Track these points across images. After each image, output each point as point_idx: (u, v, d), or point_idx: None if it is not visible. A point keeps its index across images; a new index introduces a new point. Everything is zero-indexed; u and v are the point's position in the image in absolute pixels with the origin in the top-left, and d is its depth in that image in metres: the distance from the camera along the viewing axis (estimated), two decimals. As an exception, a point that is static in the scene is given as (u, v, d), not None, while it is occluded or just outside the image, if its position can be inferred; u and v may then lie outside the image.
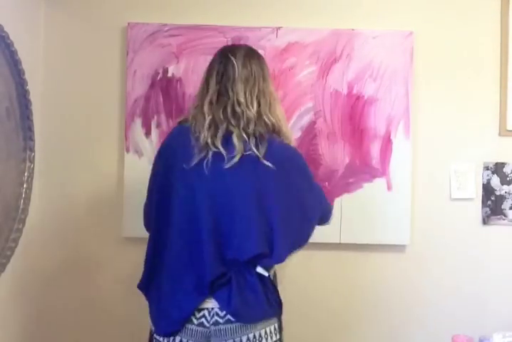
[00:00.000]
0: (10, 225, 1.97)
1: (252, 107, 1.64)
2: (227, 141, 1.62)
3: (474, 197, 2.29)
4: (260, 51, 2.20)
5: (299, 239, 1.71)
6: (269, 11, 2.29)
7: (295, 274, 2.29)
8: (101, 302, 2.27)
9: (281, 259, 1.65)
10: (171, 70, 2.26)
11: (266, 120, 1.65)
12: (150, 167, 2.24)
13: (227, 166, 1.60)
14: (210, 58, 2.21)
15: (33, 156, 2.10)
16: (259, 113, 1.65)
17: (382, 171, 2.26)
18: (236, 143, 1.61)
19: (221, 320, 1.58)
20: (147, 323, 2.27)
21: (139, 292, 2.24)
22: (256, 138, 1.62)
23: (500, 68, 2.29)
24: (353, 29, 2.26)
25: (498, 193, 2.29)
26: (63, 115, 2.28)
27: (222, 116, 1.64)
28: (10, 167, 1.97)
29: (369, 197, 2.25)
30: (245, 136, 1.61)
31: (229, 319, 1.58)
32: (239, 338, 1.58)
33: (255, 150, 1.60)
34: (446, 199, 2.29)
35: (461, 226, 2.29)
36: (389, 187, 2.25)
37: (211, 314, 1.59)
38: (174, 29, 2.25)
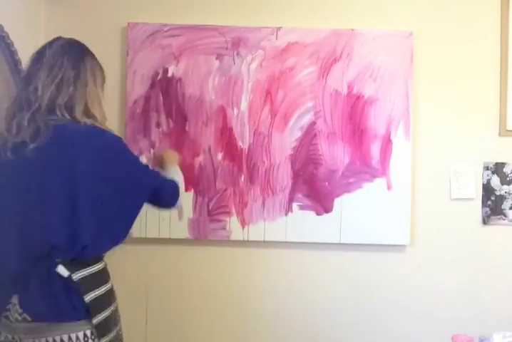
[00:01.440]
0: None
1: (46, 93, 1.60)
2: (24, 132, 1.58)
3: (474, 197, 2.29)
4: (260, 51, 2.23)
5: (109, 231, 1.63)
6: (269, 11, 2.29)
7: (295, 274, 2.29)
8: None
9: (84, 253, 1.56)
10: (171, 70, 2.26)
11: (57, 110, 1.60)
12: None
13: (16, 154, 1.55)
14: (210, 58, 2.26)
15: (33, 156, 2.09)
16: (53, 103, 1.61)
17: (382, 171, 2.26)
18: (28, 133, 1.57)
19: (19, 318, 1.53)
20: (148, 322, 2.28)
21: (139, 291, 2.25)
22: (42, 127, 1.57)
23: (500, 68, 2.29)
24: (353, 29, 2.26)
25: (498, 193, 2.29)
26: (63, 115, 2.28)
27: (22, 105, 1.61)
28: (10, 167, 1.96)
29: (369, 197, 2.25)
30: (34, 126, 1.57)
31: (25, 318, 1.53)
32: (38, 340, 1.52)
33: (40, 140, 1.55)
34: (446, 199, 2.29)
35: (461, 226, 2.29)
36: (389, 187, 2.25)
37: (14, 309, 1.54)
38: (174, 29, 2.25)
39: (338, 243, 2.26)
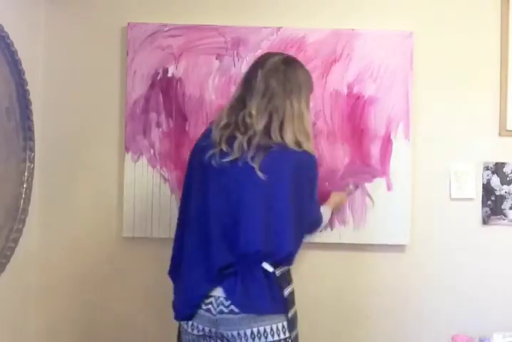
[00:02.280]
0: (10, 225, 1.97)
1: (261, 121, 1.69)
2: (231, 144, 1.70)
3: (474, 197, 2.29)
4: (260, 51, 2.23)
5: (299, 242, 1.78)
6: (270, 11, 2.29)
7: (295, 274, 2.28)
8: (101, 302, 2.27)
9: (287, 259, 1.73)
10: (171, 70, 2.26)
11: (273, 137, 1.69)
12: (150, 167, 2.26)
13: (228, 161, 1.68)
14: (210, 58, 2.25)
15: (33, 156, 2.10)
16: (267, 128, 1.70)
17: (382, 171, 2.26)
18: (236, 148, 1.69)
19: (225, 310, 1.64)
20: (147, 323, 2.28)
21: (138, 292, 2.25)
22: (257, 150, 1.67)
23: (500, 68, 2.29)
24: (353, 29, 2.26)
25: (498, 193, 2.29)
26: (63, 115, 2.28)
27: (233, 121, 1.72)
28: (10, 167, 1.97)
29: (369, 197, 2.25)
30: (245, 145, 1.68)
31: (232, 310, 1.63)
32: (243, 331, 1.63)
33: (250, 161, 1.67)
34: (446, 199, 2.29)
35: (461, 226, 2.29)
36: (389, 187, 2.25)
37: (217, 302, 1.65)
38: (174, 29, 2.25)
39: (338, 243, 2.26)
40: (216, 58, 2.26)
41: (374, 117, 2.26)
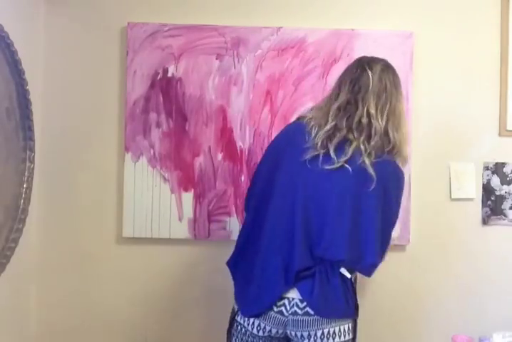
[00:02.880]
0: (10, 225, 1.97)
1: (382, 121, 1.69)
2: (340, 148, 1.68)
3: (474, 197, 2.29)
4: (260, 51, 2.23)
5: (383, 253, 1.76)
6: (270, 11, 2.29)
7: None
8: (101, 302, 2.27)
9: (369, 270, 1.73)
10: (171, 70, 2.26)
11: (391, 137, 1.70)
12: (150, 167, 2.26)
13: (330, 167, 1.66)
14: (210, 58, 2.25)
15: (33, 156, 2.10)
16: (385, 129, 1.70)
17: (382, 171, 2.25)
18: (349, 152, 1.67)
19: (299, 312, 1.65)
20: (147, 323, 2.28)
21: (140, 291, 2.25)
22: (372, 152, 1.68)
23: (500, 68, 2.29)
24: (353, 29, 2.26)
25: (498, 193, 2.29)
26: (63, 115, 2.28)
27: (344, 124, 1.70)
28: (10, 167, 1.97)
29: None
30: (362, 148, 1.67)
31: (307, 311, 1.65)
32: (314, 332, 1.64)
33: (367, 162, 1.66)
34: (446, 199, 2.29)
35: (461, 226, 2.29)
36: (389, 187, 2.25)
37: (291, 304, 1.66)
38: (174, 29, 2.25)
39: (338, 243, 2.26)
40: (216, 58, 2.26)
41: (374, 117, 2.26)
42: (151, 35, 2.25)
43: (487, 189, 2.29)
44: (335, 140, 1.68)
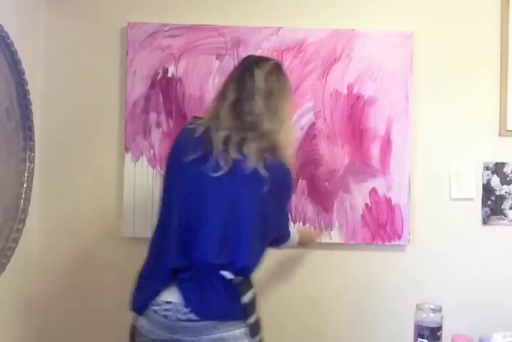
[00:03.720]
0: (10, 225, 1.97)
1: (268, 121, 1.66)
2: (232, 149, 1.64)
3: (474, 197, 2.29)
4: (259, 51, 2.23)
5: (260, 255, 1.71)
6: (270, 11, 2.29)
7: (295, 274, 2.29)
8: (101, 302, 2.27)
9: (244, 272, 1.65)
10: (171, 70, 2.26)
11: (276, 137, 1.67)
12: (150, 167, 2.26)
13: (219, 173, 1.61)
14: (210, 58, 2.25)
15: (33, 156, 2.10)
16: (272, 129, 1.67)
17: (382, 171, 2.26)
18: (241, 152, 1.63)
19: (182, 317, 1.59)
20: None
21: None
22: (260, 151, 1.64)
23: (500, 68, 2.29)
24: (353, 29, 2.26)
25: (498, 193, 2.29)
26: (63, 115, 2.28)
27: (234, 124, 1.66)
28: (10, 167, 1.97)
29: (369, 197, 2.25)
30: (253, 147, 1.63)
31: (190, 317, 1.58)
32: (202, 337, 1.59)
33: (255, 162, 1.62)
34: (446, 199, 2.29)
35: (461, 226, 2.29)
36: (389, 187, 2.25)
37: (174, 309, 1.60)
38: (174, 29, 2.25)
39: (338, 243, 2.26)
40: (216, 58, 2.26)
41: (374, 117, 2.26)
42: (151, 35, 2.25)
43: (487, 189, 2.29)
44: (232, 142, 1.64)
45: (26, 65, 1.99)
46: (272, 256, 2.28)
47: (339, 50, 2.26)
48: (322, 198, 2.26)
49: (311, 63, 2.26)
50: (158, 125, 2.26)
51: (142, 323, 1.66)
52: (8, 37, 1.87)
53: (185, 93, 2.26)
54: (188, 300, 1.59)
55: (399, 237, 2.25)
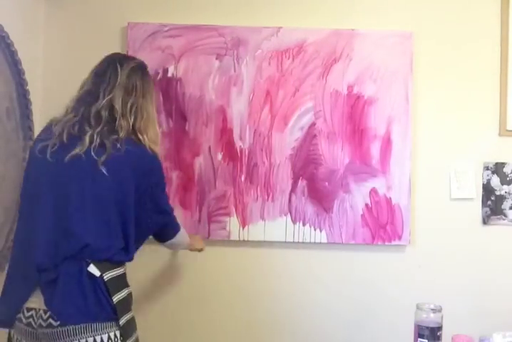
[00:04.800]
0: (10, 225, 1.97)
1: (130, 118, 1.64)
2: (77, 137, 1.60)
3: (474, 197, 2.29)
4: (260, 51, 2.23)
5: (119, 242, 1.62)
6: (270, 11, 2.29)
7: (295, 274, 2.29)
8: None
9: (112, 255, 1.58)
10: (171, 70, 2.26)
11: (138, 135, 1.64)
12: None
13: (67, 158, 1.57)
14: (210, 58, 2.25)
15: (33, 156, 2.10)
16: (133, 127, 1.64)
17: (382, 171, 2.26)
18: (86, 142, 1.58)
19: (44, 324, 1.50)
20: (147, 322, 2.27)
21: (138, 292, 2.24)
22: (104, 145, 1.59)
23: (500, 68, 2.29)
24: (353, 29, 2.26)
25: (498, 193, 2.29)
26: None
27: (81, 114, 1.63)
28: (10, 167, 1.97)
29: (369, 197, 2.25)
30: (97, 139, 1.59)
31: (50, 323, 1.49)
32: None
33: (94, 153, 1.57)
34: (446, 199, 2.29)
35: (461, 226, 2.29)
36: (389, 187, 2.25)
37: (37, 315, 1.51)
38: (174, 29, 2.25)
39: (338, 243, 2.26)
40: (216, 58, 2.26)
41: (374, 117, 2.26)
42: (151, 36, 2.25)
43: (487, 189, 2.29)
44: (70, 129, 1.60)
45: (26, 65, 1.99)
46: (270, 257, 2.28)
47: (339, 50, 2.26)
48: (322, 198, 2.26)
49: (311, 63, 2.26)
50: (158, 125, 2.24)
51: (12, 333, 1.57)
52: (8, 37, 1.87)
53: (185, 93, 2.26)
54: (49, 303, 1.49)
55: (399, 237, 2.25)
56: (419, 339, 1.82)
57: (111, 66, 1.69)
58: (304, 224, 2.26)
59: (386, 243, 2.26)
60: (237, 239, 2.25)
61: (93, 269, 1.53)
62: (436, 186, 2.29)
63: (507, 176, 2.29)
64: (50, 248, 1.53)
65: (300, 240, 2.25)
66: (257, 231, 2.25)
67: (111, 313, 1.52)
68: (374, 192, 2.26)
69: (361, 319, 2.29)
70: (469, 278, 2.28)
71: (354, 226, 2.26)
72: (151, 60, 2.24)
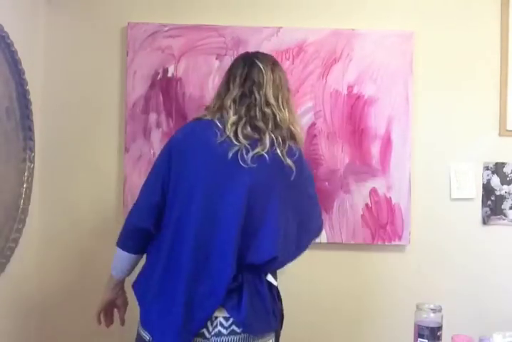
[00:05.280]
0: (10, 225, 1.97)
1: (284, 110, 1.64)
2: (252, 139, 1.58)
3: (474, 197, 2.29)
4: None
5: (300, 247, 1.67)
6: (270, 11, 2.29)
7: (295, 274, 2.29)
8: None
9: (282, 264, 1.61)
10: (171, 70, 2.26)
11: (292, 127, 1.65)
12: (150, 167, 2.25)
13: (250, 162, 1.54)
14: (210, 58, 2.25)
15: (33, 156, 2.10)
16: (288, 119, 1.65)
17: (382, 171, 2.26)
18: (266, 142, 1.57)
19: (224, 331, 1.46)
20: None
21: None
22: (282, 140, 1.60)
23: (500, 68, 2.29)
24: (353, 29, 2.26)
25: (498, 193, 2.29)
26: (63, 115, 2.28)
27: (245, 114, 1.61)
28: (10, 167, 1.97)
29: (369, 197, 2.25)
30: (273, 136, 1.59)
31: (233, 330, 1.46)
32: None
33: (279, 151, 1.58)
34: (446, 199, 2.29)
35: (461, 226, 2.29)
36: (389, 187, 2.25)
37: (214, 324, 1.47)
38: (174, 29, 2.25)
39: (338, 243, 2.26)
40: (216, 58, 2.26)
41: (374, 117, 2.26)
42: (151, 36, 2.25)
43: (487, 189, 2.29)
44: (245, 131, 1.57)
45: (26, 65, 1.99)
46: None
47: (339, 50, 2.26)
48: (322, 198, 2.25)
49: (312, 63, 2.26)
50: (158, 125, 2.26)
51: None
52: (8, 37, 1.87)
53: (185, 93, 2.26)
54: (235, 311, 1.47)
55: (399, 237, 2.25)
56: (419, 339, 1.82)
57: (251, 65, 1.68)
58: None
59: (386, 243, 2.26)
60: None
61: (271, 279, 1.56)
62: (436, 186, 2.29)
63: (507, 176, 2.29)
64: (235, 261, 1.50)
65: (300, 240, 2.25)
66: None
67: (279, 321, 1.58)
68: (373, 192, 2.26)
69: (361, 319, 2.29)
70: (469, 278, 2.28)
71: (354, 226, 2.26)
72: (151, 60, 2.25)
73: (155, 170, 1.64)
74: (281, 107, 1.64)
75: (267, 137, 1.58)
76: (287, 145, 1.61)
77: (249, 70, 1.67)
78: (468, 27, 2.30)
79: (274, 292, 1.56)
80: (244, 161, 1.54)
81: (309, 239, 1.69)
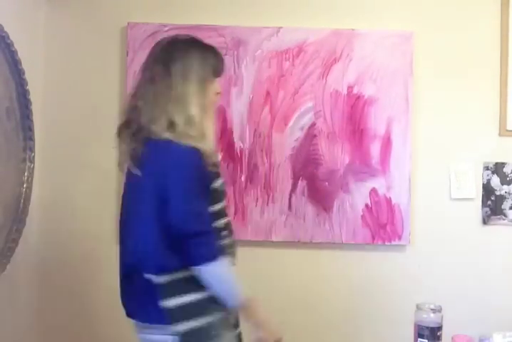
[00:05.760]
0: (10, 225, 1.97)
1: (147, 114, 1.57)
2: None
3: (474, 197, 2.29)
4: (259, 51, 2.24)
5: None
6: (270, 11, 2.29)
7: (295, 274, 2.29)
8: (101, 302, 2.26)
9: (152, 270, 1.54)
10: (171, 70, 2.25)
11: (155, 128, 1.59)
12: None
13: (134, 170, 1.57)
14: (210, 58, 2.25)
15: (33, 156, 2.10)
16: (151, 121, 1.58)
17: (382, 171, 2.26)
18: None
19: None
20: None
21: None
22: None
23: (500, 68, 2.29)
24: (353, 29, 2.26)
25: (498, 193, 2.29)
26: (63, 115, 2.28)
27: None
28: (10, 167, 1.97)
29: (369, 197, 2.25)
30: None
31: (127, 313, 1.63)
32: (139, 335, 1.61)
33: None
34: (446, 199, 2.29)
35: (461, 226, 2.29)
36: (389, 187, 2.25)
37: None
38: (174, 29, 2.25)
39: (338, 243, 2.26)
40: (216, 58, 2.26)
41: (374, 117, 2.26)
42: (151, 36, 2.25)
43: (487, 189, 2.29)
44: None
45: (26, 65, 1.99)
46: (270, 257, 2.28)
47: (339, 50, 2.26)
48: (322, 198, 2.26)
49: (312, 63, 2.26)
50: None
51: None
52: (8, 37, 1.87)
53: (185, 93, 2.26)
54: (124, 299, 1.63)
55: (399, 237, 2.25)
56: (419, 339, 1.81)
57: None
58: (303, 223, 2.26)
59: (386, 243, 2.26)
60: (238, 238, 2.24)
61: (149, 275, 1.55)
62: (435, 186, 2.29)
63: (507, 176, 2.29)
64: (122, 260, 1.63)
65: (300, 240, 2.25)
66: (257, 231, 2.25)
67: (163, 317, 1.52)
68: (373, 192, 2.26)
69: (361, 319, 2.29)
70: (469, 278, 2.28)
71: (354, 226, 2.26)
72: (151, 60, 2.25)
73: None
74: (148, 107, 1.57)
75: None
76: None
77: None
78: (468, 27, 2.30)
79: (156, 288, 1.52)
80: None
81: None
